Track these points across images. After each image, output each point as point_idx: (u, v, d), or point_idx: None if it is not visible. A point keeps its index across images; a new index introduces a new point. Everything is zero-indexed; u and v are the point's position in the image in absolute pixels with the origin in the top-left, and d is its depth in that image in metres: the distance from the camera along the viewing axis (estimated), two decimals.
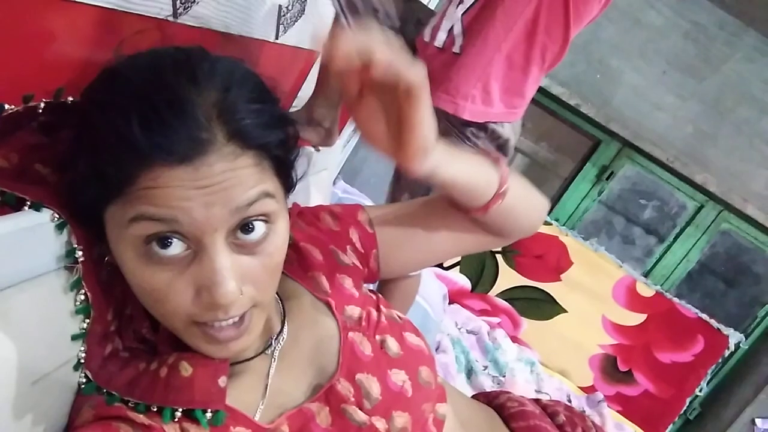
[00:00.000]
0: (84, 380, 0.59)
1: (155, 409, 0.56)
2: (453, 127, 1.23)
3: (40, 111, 0.56)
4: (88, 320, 0.58)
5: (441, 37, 1.19)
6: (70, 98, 0.58)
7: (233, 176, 0.49)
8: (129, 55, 0.53)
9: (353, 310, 0.70)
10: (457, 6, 1.18)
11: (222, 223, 0.50)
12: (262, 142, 0.52)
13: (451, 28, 1.19)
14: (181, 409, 0.55)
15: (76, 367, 0.58)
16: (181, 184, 0.48)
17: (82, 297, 0.57)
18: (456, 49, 1.19)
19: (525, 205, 0.75)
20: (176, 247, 0.50)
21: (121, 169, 0.48)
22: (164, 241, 0.50)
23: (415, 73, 0.50)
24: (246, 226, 0.52)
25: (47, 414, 0.58)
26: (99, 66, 0.54)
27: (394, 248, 0.78)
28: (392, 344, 0.68)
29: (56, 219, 0.55)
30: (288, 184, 0.59)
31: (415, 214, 0.79)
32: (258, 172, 0.52)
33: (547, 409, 0.93)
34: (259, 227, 0.53)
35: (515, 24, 1.16)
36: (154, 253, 0.50)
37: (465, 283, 2.29)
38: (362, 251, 0.76)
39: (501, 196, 0.68)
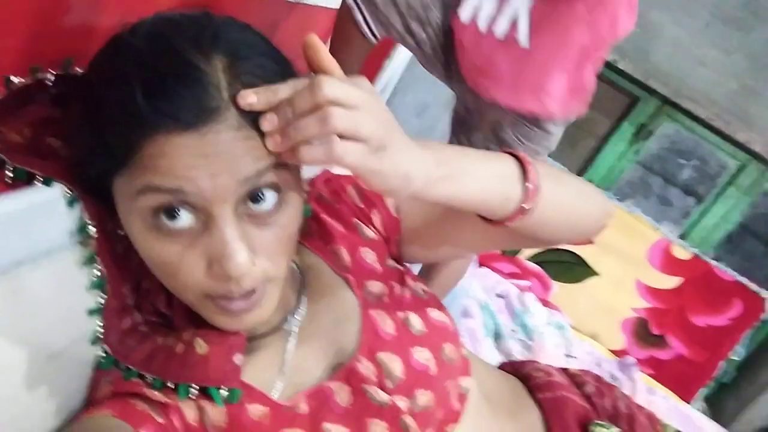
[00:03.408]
0: (103, 355, 0.59)
1: (171, 386, 0.55)
2: (504, 121, 1.19)
3: (51, 83, 0.55)
4: (104, 295, 0.57)
5: (502, 27, 1.10)
6: (79, 69, 0.56)
7: (242, 145, 0.47)
8: (133, 23, 0.50)
9: (374, 286, 0.68)
10: None
11: (230, 194, 0.48)
12: None
13: (515, 19, 1.10)
14: (196, 387, 0.55)
15: (93, 342, 0.58)
16: (186, 152, 0.46)
17: (97, 272, 0.57)
18: (524, 41, 1.10)
19: (570, 214, 0.66)
20: (185, 219, 0.49)
21: (124, 138, 0.46)
22: (172, 213, 0.48)
23: (352, 160, 0.45)
24: (256, 197, 0.50)
25: (65, 388, 0.58)
26: (108, 34, 0.52)
27: (418, 237, 0.74)
28: (415, 321, 0.66)
29: (68, 194, 0.54)
30: None
31: (443, 207, 0.70)
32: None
33: (575, 379, 0.91)
34: (270, 197, 0.51)
35: (598, 21, 1.09)
36: (162, 225, 0.49)
37: None
38: (384, 234, 0.74)
39: (523, 212, 0.59)
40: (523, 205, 0.58)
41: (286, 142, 0.46)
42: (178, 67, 0.46)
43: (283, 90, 0.46)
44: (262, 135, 0.48)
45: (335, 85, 0.44)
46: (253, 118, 0.47)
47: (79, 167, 0.53)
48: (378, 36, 1.23)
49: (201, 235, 0.49)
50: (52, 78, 0.55)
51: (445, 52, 1.23)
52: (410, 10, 1.18)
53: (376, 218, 0.73)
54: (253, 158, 0.48)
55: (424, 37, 1.20)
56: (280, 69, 0.51)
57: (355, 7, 1.17)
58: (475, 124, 1.27)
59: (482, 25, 1.12)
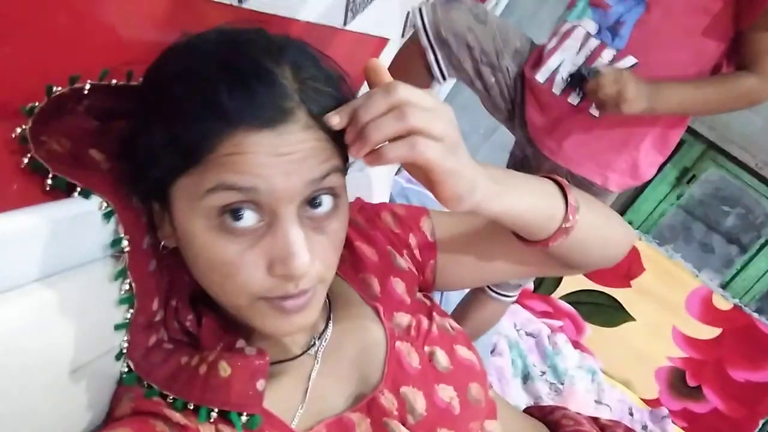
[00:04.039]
0: (126, 370, 0.58)
1: (192, 407, 0.55)
2: (560, 174, 1.20)
3: (86, 93, 0.56)
4: (132, 310, 0.57)
5: (576, 95, 1.13)
6: (114, 81, 0.58)
7: (310, 147, 0.50)
8: (198, 33, 0.53)
9: (403, 318, 0.67)
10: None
11: (297, 194, 0.50)
12: None
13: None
14: (216, 410, 0.54)
15: (117, 357, 0.58)
16: (264, 150, 0.48)
17: (127, 287, 0.57)
18: (595, 112, 1.12)
19: (599, 238, 0.68)
20: (249, 219, 0.50)
21: (204, 135, 0.48)
22: (237, 213, 0.49)
23: (432, 156, 0.48)
24: (314, 201, 0.52)
25: (86, 402, 0.58)
26: (149, 48, 0.53)
27: (453, 262, 0.75)
28: (441, 357, 0.64)
29: (104, 207, 0.54)
30: (346, 166, 0.58)
31: (480, 230, 0.75)
32: (330, 147, 0.52)
33: (606, 430, 0.87)
34: (327, 202, 0.53)
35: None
36: (226, 225, 0.50)
37: (527, 283, 2.22)
38: (419, 259, 0.73)
39: (564, 232, 0.62)
40: (565, 224, 0.61)
41: (367, 144, 0.47)
42: (256, 69, 0.49)
43: (360, 99, 0.49)
44: (329, 137, 0.51)
45: (409, 88, 0.47)
46: (320, 121, 0.50)
47: (137, 171, 0.54)
48: (447, 77, 1.25)
49: (264, 236, 0.51)
50: (88, 87, 0.56)
51: (512, 101, 1.24)
52: (483, 55, 1.21)
53: (413, 241, 0.72)
54: (320, 160, 0.50)
55: (493, 81, 1.23)
56: (337, 78, 0.55)
57: (429, 49, 1.20)
58: (531, 169, 1.28)
59: (557, 90, 1.13)
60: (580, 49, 1.12)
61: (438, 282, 0.75)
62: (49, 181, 0.52)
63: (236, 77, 0.48)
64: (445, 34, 1.19)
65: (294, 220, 0.50)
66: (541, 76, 1.16)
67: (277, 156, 0.48)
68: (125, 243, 0.55)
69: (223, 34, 0.53)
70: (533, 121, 1.20)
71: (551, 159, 1.19)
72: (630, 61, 1.07)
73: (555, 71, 1.15)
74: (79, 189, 0.53)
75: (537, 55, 1.21)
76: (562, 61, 1.14)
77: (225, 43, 0.51)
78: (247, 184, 0.48)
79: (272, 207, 0.50)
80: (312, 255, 0.51)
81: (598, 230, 0.68)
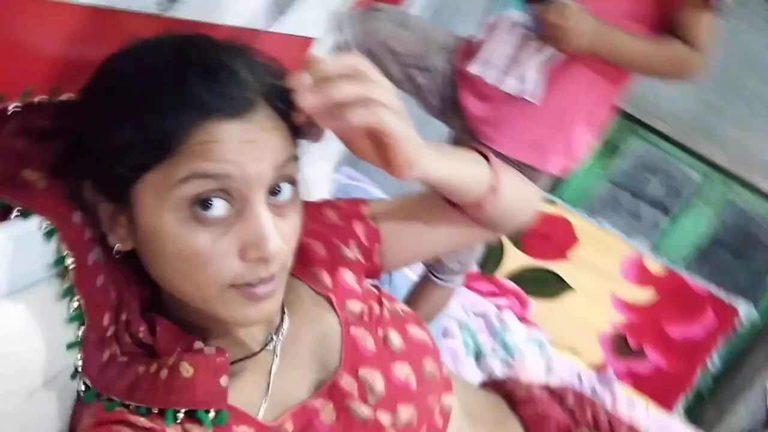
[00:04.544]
0: (83, 388, 0.58)
1: (156, 412, 0.55)
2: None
3: (10, 114, 0.55)
4: (83, 327, 0.57)
5: (511, 84, 1.16)
6: (37, 98, 0.58)
7: (273, 135, 0.53)
8: (151, 37, 0.55)
9: (355, 305, 0.69)
10: (533, 54, 1.14)
11: (265, 180, 0.52)
12: (288, 110, 0.54)
13: (524, 76, 1.16)
14: (183, 411, 0.55)
15: (73, 376, 0.58)
16: (235, 138, 0.50)
17: (75, 304, 0.56)
18: (530, 97, 1.16)
19: (519, 199, 0.75)
20: (219, 208, 0.51)
21: (178, 125, 0.49)
22: (207, 203, 0.50)
23: (390, 120, 0.52)
24: (275, 189, 0.54)
25: (46, 425, 0.57)
26: (72, 64, 0.53)
27: (397, 243, 0.78)
28: (395, 338, 0.67)
29: (45, 227, 0.54)
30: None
31: (415, 208, 0.79)
32: (288, 135, 0.55)
33: (556, 394, 0.92)
34: (287, 189, 0.55)
35: (605, 85, 1.16)
36: (197, 216, 0.51)
37: (469, 267, 2.27)
38: (366, 245, 0.75)
39: (492, 192, 0.68)
40: (493, 183, 0.67)
41: (323, 99, 0.51)
42: (219, 63, 0.52)
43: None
44: (285, 126, 0.54)
45: (360, 60, 0.51)
46: (279, 110, 0.54)
47: (92, 175, 0.54)
48: None
49: (234, 224, 0.52)
50: (12, 108, 0.55)
51: (443, 96, 1.27)
52: (410, 58, 1.24)
53: (359, 229, 0.75)
54: (282, 147, 0.54)
55: (423, 81, 1.26)
56: (282, 71, 0.57)
57: None
58: None
59: (491, 80, 1.16)
60: (509, 40, 1.16)
61: (386, 263, 0.77)
62: None
63: (203, 70, 0.50)
64: (368, 44, 1.21)
65: (264, 204, 0.52)
66: (474, 69, 1.19)
67: (247, 142, 0.50)
68: (69, 261, 0.55)
69: (174, 36, 0.55)
70: (470, 110, 1.23)
71: (489, 146, 1.22)
72: None
73: (487, 62, 1.18)
74: (17, 210, 0.53)
75: (467, 48, 1.24)
76: (493, 52, 1.17)
77: (182, 43, 0.54)
78: (220, 171, 0.50)
79: (243, 193, 0.51)
80: (280, 238, 0.53)
81: (517, 193, 0.74)
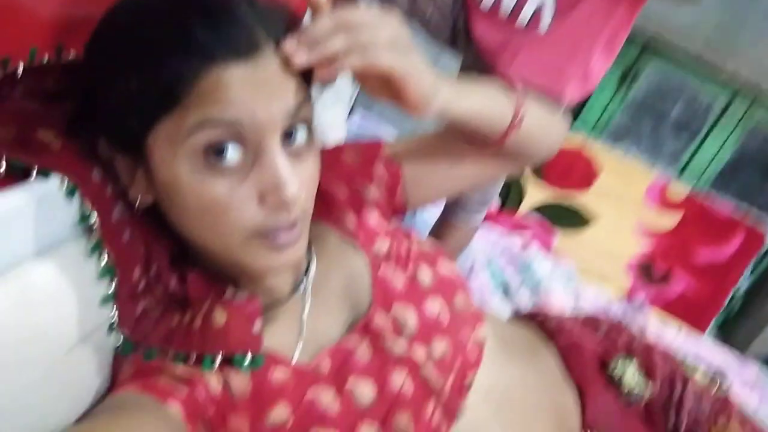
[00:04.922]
0: (120, 341, 0.59)
1: (194, 359, 0.56)
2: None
3: (19, 76, 0.54)
4: (114, 282, 0.57)
5: (526, 16, 1.13)
6: (45, 57, 0.57)
7: (283, 77, 0.51)
8: None
9: (381, 244, 0.69)
10: None
11: (278, 124, 0.51)
12: None
13: (538, 8, 1.12)
14: (220, 357, 0.55)
15: (109, 330, 0.58)
16: (242, 82, 0.48)
17: (105, 259, 0.56)
18: (542, 29, 1.13)
19: (543, 129, 0.74)
20: (234, 155, 0.50)
21: (183, 72, 0.48)
22: (221, 150, 0.50)
23: (386, 60, 0.51)
24: (290, 133, 0.53)
25: (89, 378, 0.58)
26: (73, 21, 0.52)
27: (419, 181, 0.77)
28: (424, 274, 0.67)
29: (66, 185, 0.54)
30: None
31: (436, 145, 0.78)
32: (298, 78, 0.52)
33: (588, 322, 0.92)
34: (302, 133, 0.54)
35: (621, 8, 1.12)
36: (212, 164, 0.50)
37: (490, 203, 2.26)
38: (389, 185, 0.75)
39: (516, 126, 0.66)
40: (516, 118, 0.66)
41: (314, 54, 0.50)
42: (222, 5, 0.50)
43: (308, 26, 0.52)
44: (294, 70, 0.52)
45: (351, 9, 0.51)
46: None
47: (105, 129, 0.54)
48: None
49: (250, 171, 0.51)
50: (21, 69, 0.55)
51: (454, 25, 1.24)
52: None
53: (380, 170, 0.74)
54: (293, 90, 0.52)
55: (431, 11, 1.22)
56: (286, 10, 0.56)
57: None
58: None
59: (504, 12, 1.13)
60: None
61: (409, 202, 0.77)
62: (3, 168, 0.51)
63: (206, 13, 0.49)
64: None
65: (279, 150, 0.51)
66: (486, 2, 1.16)
67: (255, 87, 0.49)
68: (94, 217, 0.55)
69: None
70: (482, 40, 1.20)
71: (504, 75, 1.20)
72: None
73: (519, 3, 1.14)
74: (36, 170, 0.53)
75: None
76: None
77: None
78: (230, 117, 0.48)
79: (256, 139, 0.50)
80: (298, 183, 0.52)
81: (541, 123, 0.72)
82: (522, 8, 1.13)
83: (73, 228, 0.56)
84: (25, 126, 0.55)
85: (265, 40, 0.50)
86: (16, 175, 0.53)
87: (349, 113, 1.90)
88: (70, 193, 0.54)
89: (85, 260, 0.56)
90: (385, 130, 2.05)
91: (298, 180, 0.52)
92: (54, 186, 0.53)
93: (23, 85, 0.57)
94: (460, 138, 0.73)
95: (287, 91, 0.51)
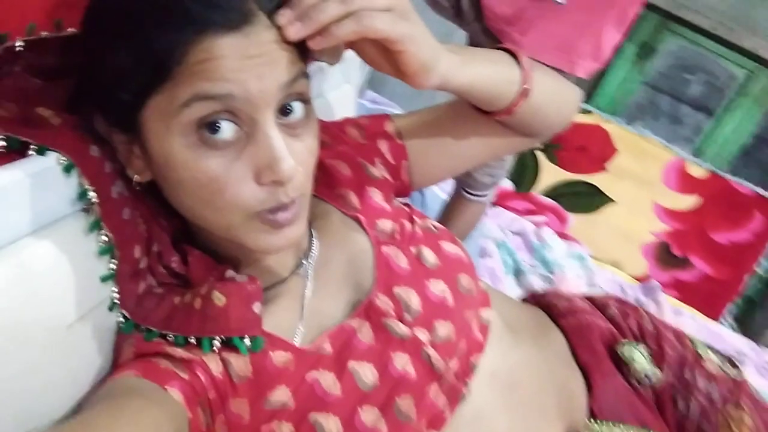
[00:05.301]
0: (122, 319, 0.59)
1: (193, 341, 0.56)
2: None
3: (19, 51, 0.54)
4: (114, 260, 0.57)
5: None
6: (44, 33, 0.56)
7: (277, 49, 0.49)
8: None
9: (385, 224, 0.67)
10: None
11: (273, 98, 0.50)
12: None
13: None
14: (219, 339, 0.55)
15: (110, 308, 0.58)
16: (234, 53, 0.47)
17: (104, 237, 0.56)
18: None
19: (554, 99, 0.71)
20: (227, 130, 0.49)
21: (172, 44, 0.47)
22: (214, 126, 0.49)
23: (382, 25, 0.49)
24: (286, 108, 0.52)
25: (89, 356, 0.58)
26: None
27: (425, 157, 0.75)
28: (428, 255, 0.66)
29: (63, 161, 0.53)
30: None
31: (442, 120, 0.76)
32: (294, 51, 0.51)
33: (598, 303, 0.90)
34: (298, 108, 0.53)
35: None
36: (206, 139, 0.49)
37: (507, 184, 2.24)
38: (393, 163, 0.73)
39: (524, 95, 0.64)
40: (524, 86, 0.64)
41: (309, 24, 0.49)
42: None
43: None
44: (288, 42, 0.50)
45: None
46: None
47: (101, 104, 0.53)
48: None
49: (245, 147, 0.50)
50: (20, 44, 0.54)
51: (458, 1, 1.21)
52: None
53: (384, 147, 0.73)
54: (287, 63, 0.50)
55: None
56: None
57: None
58: None
59: None
60: None
61: (414, 181, 0.76)
62: (2, 143, 0.51)
63: None
64: None
65: (273, 125, 0.50)
66: None
67: (248, 58, 0.48)
68: (92, 194, 0.55)
69: None
70: (494, 10, 1.17)
71: (513, 48, 1.18)
72: None
73: None
74: (33, 147, 0.52)
75: None
76: None
77: None
78: (221, 91, 0.47)
79: (250, 114, 0.49)
80: (294, 160, 0.51)
81: (552, 90, 0.71)
82: None
83: (72, 204, 0.55)
84: (25, 102, 0.55)
85: (258, 11, 0.49)
86: (15, 151, 0.52)
87: (360, 93, 1.88)
88: (67, 169, 0.53)
89: (85, 237, 0.56)
90: (396, 111, 2.03)
91: (294, 156, 0.51)
92: (52, 162, 0.53)
93: (24, 61, 0.56)
94: (469, 110, 0.71)
95: (281, 65, 0.50)
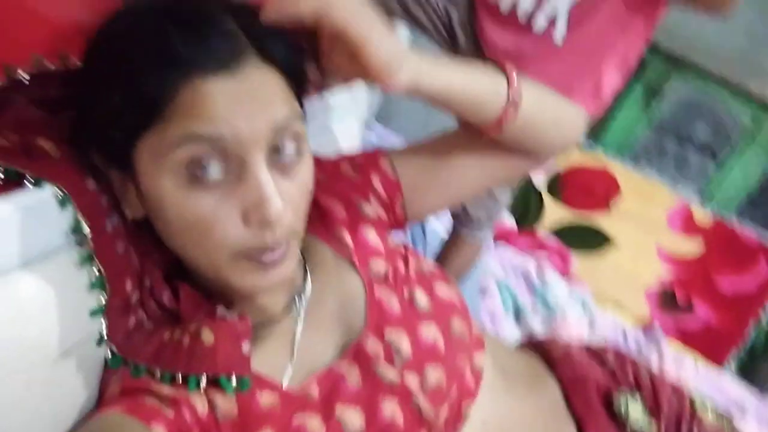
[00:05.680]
0: (110, 354, 0.58)
1: (180, 379, 0.55)
2: None
3: (25, 83, 0.55)
4: (105, 294, 0.57)
5: (541, 24, 1.10)
6: (51, 65, 0.57)
7: (268, 89, 0.50)
8: None
9: (378, 264, 0.67)
10: None
11: (263, 139, 0.50)
12: (285, 59, 0.53)
13: (554, 16, 1.09)
14: (205, 377, 0.54)
15: (99, 342, 0.58)
16: (223, 94, 0.48)
17: (96, 271, 0.56)
18: (557, 39, 1.10)
19: (550, 114, 0.69)
20: (217, 171, 0.50)
21: (162, 85, 0.47)
22: (204, 166, 0.49)
23: (340, 16, 0.50)
24: (279, 147, 0.52)
25: (75, 389, 0.58)
26: (76, 31, 0.53)
27: (420, 190, 0.74)
28: (421, 297, 0.65)
29: (59, 194, 0.53)
30: (304, 112, 0.58)
31: (436, 147, 0.75)
32: (286, 90, 0.52)
33: (595, 353, 0.89)
34: (291, 148, 0.53)
35: (636, 22, 1.09)
36: (195, 179, 0.49)
37: (509, 221, 2.23)
38: (386, 200, 0.73)
39: (513, 105, 0.62)
40: (511, 95, 0.61)
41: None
42: (202, 16, 0.50)
43: None
44: (284, 79, 0.51)
45: None
46: (273, 61, 0.51)
47: (95, 142, 0.54)
48: None
49: (235, 187, 0.50)
50: (27, 76, 0.55)
51: (450, 32, 1.22)
52: None
53: (377, 183, 0.72)
54: (279, 103, 0.51)
55: (425, 19, 1.21)
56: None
57: None
58: None
59: (522, 16, 1.11)
60: None
61: (410, 215, 0.74)
62: (0, 174, 0.51)
63: (185, 24, 0.48)
64: None
65: (263, 165, 0.50)
66: (503, 5, 1.14)
67: (238, 100, 0.48)
68: (86, 228, 0.55)
69: None
70: (495, 45, 1.18)
71: None
72: None
73: (534, 10, 1.12)
74: (30, 179, 0.52)
75: None
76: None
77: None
78: (211, 132, 0.48)
79: (239, 155, 0.49)
80: (283, 201, 0.51)
81: (548, 105, 0.68)
82: (536, 17, 1.11)
83: (65, 237, 0.55)
84: (27, 133, 0.56)
85: (249, 51, 0.49)
86: (13, 182, 0.52)
87: (366, 126, 1.89)
88: (62, 202, 0.53)
89: (77, 270, 0.56)
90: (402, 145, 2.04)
91: (284, 197, 0.51)
92: (48, 195, 0.53)
93: (28, 92, 0.57)
94: (462, 132, 0.70)
95: (273, 105, 0.50)
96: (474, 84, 0.61)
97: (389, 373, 0.59)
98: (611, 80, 1.16)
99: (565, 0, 1.08)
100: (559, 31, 1.10)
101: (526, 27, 1.12)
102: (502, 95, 0.62)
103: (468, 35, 1.21)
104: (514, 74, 0.62)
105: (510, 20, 1.14)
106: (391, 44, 0.53)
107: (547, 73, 1.13)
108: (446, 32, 1.24)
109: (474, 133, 0.67)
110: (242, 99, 0.48)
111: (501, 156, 0.72)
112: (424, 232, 1.59)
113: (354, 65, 0.53)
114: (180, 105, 0.47)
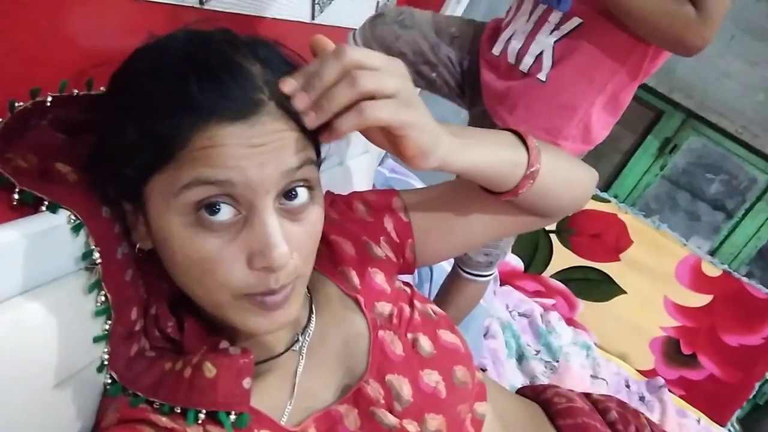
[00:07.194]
0: (109, 381, 0.58)
1: (179, 411, 0.54)
2: None
3: (48, 106, 0.55)
4: (109, 321, 0.57)
5: (528, 62, 1.13)
6: (75, 90, 0.57)
7: (283, 138, 0.50)
8: (165, 34, 0.53)
9: (384, 307, 0.67)
10: (550, 33, 1.11)
11: (273, 185, 0.50)
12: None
13: (540, 54, 1.13)
14: (204, 411, 0.54)
15: (99, 369, 0.58)
16: (237, 142, 0.48)
17: (102, 298, 0.56)
18: (542, 76, 1.13)
19: (565, 180, 0.70)
20: (226, 213, 0.50)
21: (177, 129, 0.47)
22: (213, 208, 0.49)
23: (385, 114, 0.48)
24: (289, 192, 0.52)
25: (72, 415, 0.57)
26: (109, 55, 0.53)
27: (431, 235, 0.75)
28: (425, 343, 0.65)
29: (72, 221, 0.54)
30: (320, 160, 0.58)
31: (449, 196, 0.75)
32: (302, 139, 0.51)
33: (598, 405, 0.88)
34: (302, 193, 0.53)
35: (620, 63, 1.10)
36: (203, 220, 0.49)
37: (517, 263, 2.22)
38: (397, 241, 0.73)
39: (531, 177, 0.63)
40: (530, 169, 0.62)
41: (322, 115, 0.48)
42: (225, 63, 0.49)
43: (313, 65, 0.49)
44: (301, 129, 0.51)
45: (356, 49, 0.48)
46: (291, 112, 0.50)
47: (109, 174, 0.54)
48: None
49: (241, 230, 0.50)
50: (50, 99, 0.55)
51: (461, 84, 1.26)
52: (418, 56, 1.25)
53: (389, 225, 0.72)
54: (293, 151, 0.50)
55: (434, 76, 1.27)
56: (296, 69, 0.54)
57: None
58: None
59: (511, 57, 1.14)
60: (529, 17, 1.13)
61: (419, 259, 0.75)
62: (16, 196, 0.52)
63: (206, 70, 0.48)
64: (377, 50, 1.19)
65: (271, 211, 0.50)
66: (496, 49, 1.18)
67: (251, 147, 0.48)
68: (96, 255, 0.55)
69: (190, 32, 0.53)
70: (489, 88, 1.21)
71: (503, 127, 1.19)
72: (575, 22, 1.09)
73: (507, 41, 1.16)
74: (46, 203, 0.53)
75: (493, 29, 1.22)
76: (514, 32, 1.16)
77: (193, 41, 0.51)
78: (222, 177, 0.48)
79: (249, 199, 0.49)
80: (290, 246, 0.51)
81: (563, 172, 0.69)
82: (523, 57, 1.14)
83: (76, 263, 0.56)
84: (46, 156, 0.56)
85: (267, 101, 0.49)
86: (28, 205, 0.53)
87: (380, 163, 1.90)
88: (75, 228, 0.54)
89: (84, 296, 0.56)
90: (414, 181, 2.05)
91: (291, 241, 0.51)
92: (62, 220, 0.53)
93: (51, 115, 0.58)
94: (476, 187, 0.70)
95: (286, 152, 0.50)
96: (496, 159, 0.61)
97: (388, 419, 0.58)
98: (601, 121, 1.17)
99: (550, 38, 1.11)
100: (545, 66, 1.12)
101: (515, 67, 1.15)
102: (521, 167, 0.62)
103: (473, 82, 1.24)
104: (535, 144, 0.63)
105: (501, 61, 1.18)
106: (429, 133, 0.53)
107: (533, 113, 1.15)
108: (457, 86, 1.27)
109: (489, 193, 0.68)
110: (255, 147, 0.48)
111: (514, 214, 0.73)
112: (431, 268, 1.59)
113: (391, 144, 0.54)
114: (193, 150, 0.48)
